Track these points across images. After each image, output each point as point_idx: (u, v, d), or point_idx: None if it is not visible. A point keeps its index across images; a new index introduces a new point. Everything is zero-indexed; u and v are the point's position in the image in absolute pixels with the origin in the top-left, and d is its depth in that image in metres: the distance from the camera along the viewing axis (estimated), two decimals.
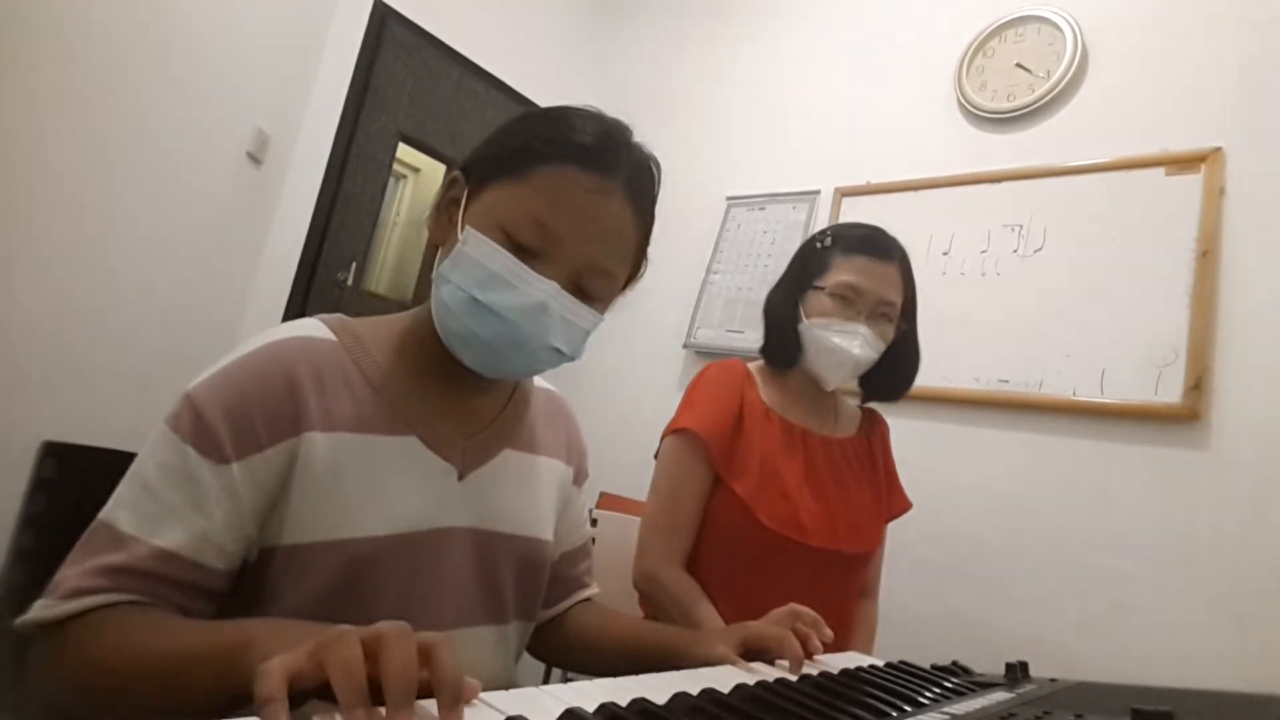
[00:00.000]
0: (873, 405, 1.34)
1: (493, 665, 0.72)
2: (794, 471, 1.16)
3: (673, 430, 1.18)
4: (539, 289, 0.63)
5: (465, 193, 0.67)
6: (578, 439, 0.88)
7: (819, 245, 1.22)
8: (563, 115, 0.69)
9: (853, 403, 1.34)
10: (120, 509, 0.57)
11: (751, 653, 0.71)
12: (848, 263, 1.17)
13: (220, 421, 0.59)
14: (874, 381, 1.25)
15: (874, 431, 1.32)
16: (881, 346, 1.17)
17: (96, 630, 0.52)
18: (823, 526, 1.14)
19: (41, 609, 0.54)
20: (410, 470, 0.66)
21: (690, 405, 1.19)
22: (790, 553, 1.12)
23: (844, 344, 1.14)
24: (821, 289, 1.17)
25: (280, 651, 0.41)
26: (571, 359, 0.69)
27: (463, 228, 0.65)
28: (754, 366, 1.27)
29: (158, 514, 0.57)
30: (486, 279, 0.63)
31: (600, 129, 0.68)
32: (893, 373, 1.23)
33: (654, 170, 0.72)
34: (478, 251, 0.63)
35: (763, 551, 1.12)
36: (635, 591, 1.18)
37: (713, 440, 1.14)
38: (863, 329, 1.14)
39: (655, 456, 1.22)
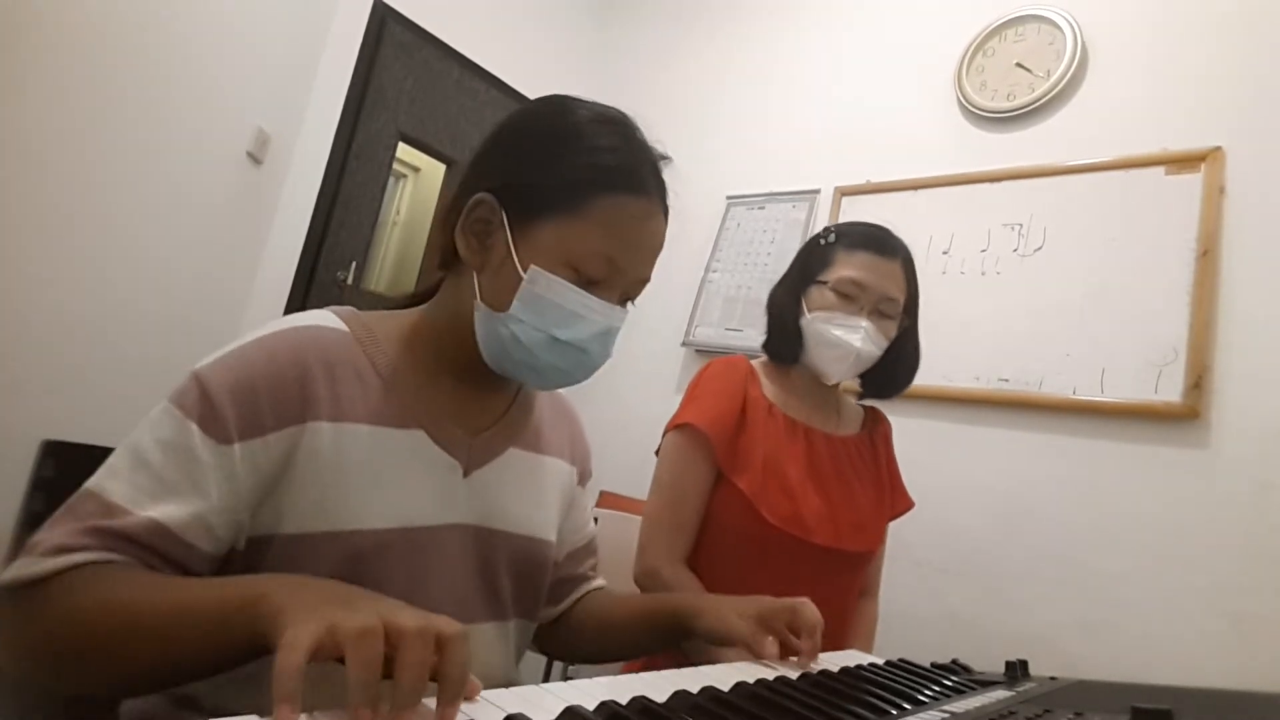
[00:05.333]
0: (874, 404, 1.34)
1: (495, 662, 0.72)
2: (797, 468, 1.16)
3: (675, 425, 1.18)
4: (605, 314, 0.67)
5: (504, 218, 0.66)
6: (581, 439, 0.89)
7: (823, 242, 1.22)
8: (586, 129, 0.69)
9: (854, 400, 1.34)
10: (112, 480, 0.55)
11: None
12: (851, 258, 1.17)
13: (227, 401, 0.58)
14: (873, 378, 1.25)
15: (876, 430, 1.32)
16: (884, 343, 1.17)
17: (80, 587, 0.49)
18: (825, 524, 1.14)
19: (21, 567, 0.51)
20: (416, 465, 0.66)
21: (693, 401, 1.19)
22: (793, 550, 1.11)
23: (845, 337, 1.14)
24: (824, 284, 1.17)
25: (295, 607, 0.41)
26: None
27: (524, 266, 0.65)
28: (757, 363, 1.26)
29: (153, 489, 0.55)
30: (564, 318, 0.65)
31: (625, 139, 0.70)
32: (893, 370, 1.23)
33: (662, 162, 0.73)
34: (550, 292, 0.65)
35: (765, 548, 1.12)
36: (637, 588, 1.18)
37: (716, 435, 1.13)
38: (864, 324, 1.14)
39: (656, 453, 1.22)
